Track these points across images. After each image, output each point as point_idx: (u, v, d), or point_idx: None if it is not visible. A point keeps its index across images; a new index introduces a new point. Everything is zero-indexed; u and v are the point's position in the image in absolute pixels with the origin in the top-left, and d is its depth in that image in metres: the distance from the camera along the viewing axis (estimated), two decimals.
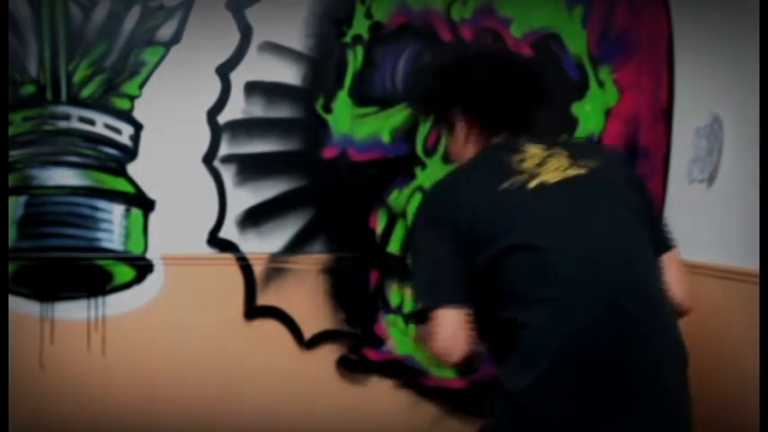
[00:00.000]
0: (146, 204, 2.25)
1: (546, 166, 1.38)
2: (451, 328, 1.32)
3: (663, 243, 1.43)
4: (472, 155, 1.49)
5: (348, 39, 2.29)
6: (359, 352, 2.34)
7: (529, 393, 1.27)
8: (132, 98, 2.23)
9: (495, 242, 1.32)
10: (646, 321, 1.29)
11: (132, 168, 2.24)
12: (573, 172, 1.37)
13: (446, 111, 1.52)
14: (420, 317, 1.41)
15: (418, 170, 2.34)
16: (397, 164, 2.33)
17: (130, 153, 2.24)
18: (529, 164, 1.38)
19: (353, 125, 2.30)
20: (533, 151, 1.40)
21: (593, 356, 1.27)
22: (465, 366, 1.39)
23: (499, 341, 1.36)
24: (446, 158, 2.25)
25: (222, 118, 2.26)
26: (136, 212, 2.24)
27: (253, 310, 2.29)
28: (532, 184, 1.35)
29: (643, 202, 1.41)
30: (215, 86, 2.25)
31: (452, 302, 1.33)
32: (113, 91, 2.22)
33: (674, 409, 1.31)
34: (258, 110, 2.28)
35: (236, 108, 2.27)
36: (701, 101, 2.10)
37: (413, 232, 1.46)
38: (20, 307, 2.18)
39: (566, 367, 1.26)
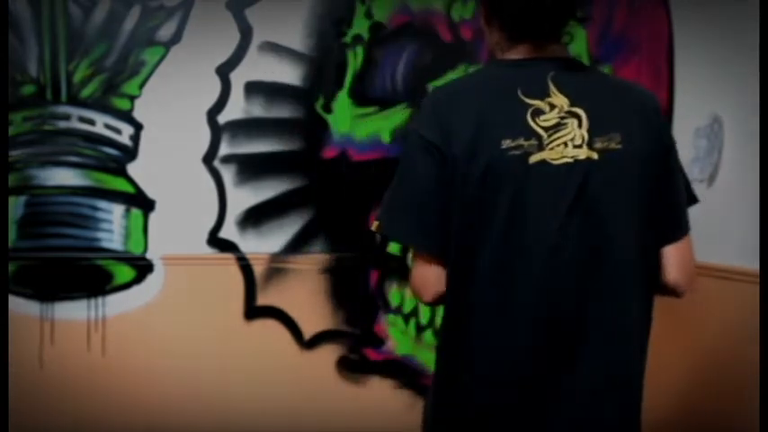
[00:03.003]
0: (146, 204, 2.25)
1: (558, 134, 1.22)
2: (425, 278, 1.29)
3: (664, 236, 1.30)
4: (498, 58, 1.33)
5: (348, 39, 2.29)
6: (359, 352, 2.34)
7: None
8: (132, 98, 2.23)
9: (466, 208, 1.24)
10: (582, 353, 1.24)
11: (132, 168, 2.24)
12: (583, 155, 1.21)
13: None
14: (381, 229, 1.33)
15: None
16: (396, 164, 2.33)
17: (130, 153, 2.24)
18: (543, 122, 1.22)
19: (353, 125, 2.30)
20: (557, 100, 1.23)
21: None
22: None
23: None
24: None
25: (222, 118, 2.26)
26: (136, 212, 2.25)
27: (253, 310, 2.29)
28: (534, 158, 1.21)
29: (659, 183, 1.27)
30: (215, 86, 2.26)
31: (430, 250, 1.28)
32: (113, 91, 2.22)
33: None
34: (258, 110, 2.28)
35: (237, 108, 2.27)
36: (701, 101, 2.10)
37: (408, 138, 1.32)
38: (20, 307, 2.19)
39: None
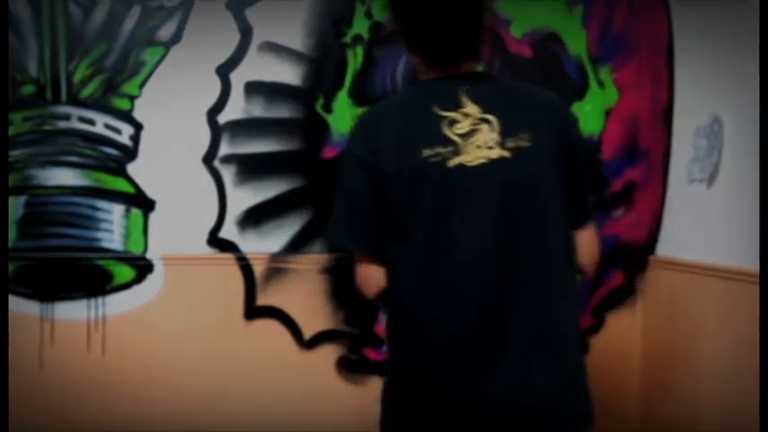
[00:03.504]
0: (146, 204, 2.25)
1: (473, 139, 1.37)
2: (368, 277, 1.47)
3: (575, 221, 1.46)
4: (419, 79, 1.49)
5: (348, 39, 2.29)
6: (359, 352, 2.34)
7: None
8: (132, 98, 2.23)
9: (398, 211, 1.39)
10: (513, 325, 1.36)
11: (132, 168, 2.24)
12: (496, 155, 1.37)
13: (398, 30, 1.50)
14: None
15: None
16: None
17: (130, 153, 2.24)
18: (458, 130, 1.38)
19: (353, 125, 2.30)
20: (469, 110, 1.39)
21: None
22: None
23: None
24: None
25: (222, 118, 2.26)
26: (136, 212, 2.25)
27: (253, 310, 2.29)
28: (452, 162, 1.37)
29: (567, 175, 1.42)
30: (215, 86, 2.26)
31: (369, 252, 1.46)
32: (113, 91, 2.22)
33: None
34: (258, 110, 2.28)
35: (237, 108, 2.27)
36: (701, 101, 2.10)
37: (344, 156, 1.52)
38: (20, 307, 2.19)
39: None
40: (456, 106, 1.39)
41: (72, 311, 2.22)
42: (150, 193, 2.25)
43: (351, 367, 2.32)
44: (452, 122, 1.38)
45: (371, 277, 1.47)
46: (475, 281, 1.36)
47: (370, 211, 1.42)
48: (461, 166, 1.37)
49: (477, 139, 1.38)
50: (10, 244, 2.17)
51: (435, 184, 1.37)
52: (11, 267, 2.17)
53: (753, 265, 1.76)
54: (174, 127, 2.24)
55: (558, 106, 1.50)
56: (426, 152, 1.37)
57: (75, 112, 2.21)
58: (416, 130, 1.40)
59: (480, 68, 1.46)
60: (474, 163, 1.37)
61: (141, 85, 2.23)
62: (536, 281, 1.37)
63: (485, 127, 1.38)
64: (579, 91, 2.34)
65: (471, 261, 1.36)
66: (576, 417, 1.42)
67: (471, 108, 1.39)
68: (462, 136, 1.38)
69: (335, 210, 1.51)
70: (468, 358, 1.37)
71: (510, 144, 1.37)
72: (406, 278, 1.41)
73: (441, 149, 1.37)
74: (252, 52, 2.26)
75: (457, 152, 1.37)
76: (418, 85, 1.49)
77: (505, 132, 1.38)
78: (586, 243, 1.48)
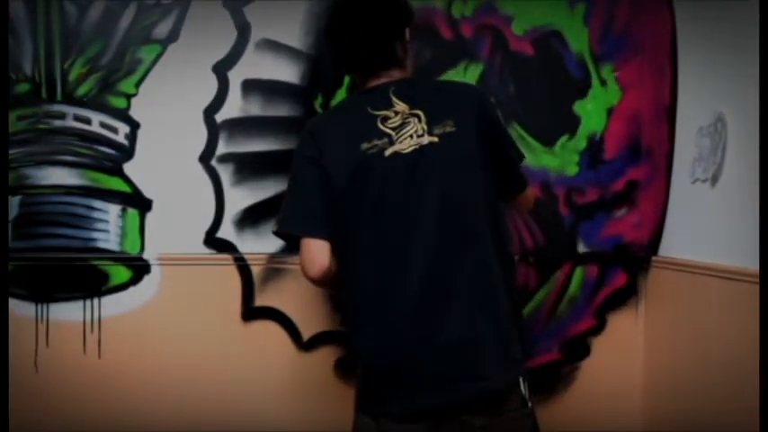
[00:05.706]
0: (142, 204, 2.23)
1: (404, 130, 1.60)
2: (309, 253, 1.63)
3: (512, 189, 1.76)
4: (357, 89, 1.75)
5: None
6: None
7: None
8: (128, 96, 2.22)
9: (345, 200, 1.59)
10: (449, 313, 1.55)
11: (128, 167, 2.22)
12: (426, 141, 1.59)
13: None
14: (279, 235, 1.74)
15: None
16: None
17: (127, 152, 2.22)
18: (391, 124, 1.61)
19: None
20: (399, 107, 1.62)
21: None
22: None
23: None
24: None
25: (219, 116, 2.25)
26: (132, 212, 2.23)
27: (250, 311, 2.27)
28: (389, 151, 1.59)
29: (493, 153, 1.63)
30: (212, 85, 2.24)
31: (312, 232, 1.63)
32: (109, 89, 2.21)
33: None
34: (256, 108, 2.26)
35: (234, 106, 2.25)
36: (704, 99, 2.09)
37: (294, 157, 1.73)
38: (15, 308, 2.17)
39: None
40: (387, 106, 1.61)
41: (67, 313, 2.20)
42: (147, 192, 2.23)
43: (349, 369, 2.30)
44: (385, 119, 1.61)
45: (314, 254, 1.62)
46: (420, 252, 1.55)
47: (314, 199, 1.62)
48: (396, 154, 1.58)
49: (408, 130, 1.59)
50: None
51: (376, 172, 1.57)
52: None
53: (753, 265, 1.75)
54: (171, 126, 2.22)
55: (475, 92, 1.78)
56: (365, 145, 1.59)
57: (71, 110, 2.20)
58: (355, 129, 1.62)
59: (404, 75, 1.69)
60: (407, 150, 1.58)
61: (137, 84, 2.21)
62: (470, 247, 1.57)
63: (414, 120, 1.60)
64: (581, 89, 2.33)
65: (416, 234, 1.55)
66: (509, 360, 1.60)
67: (400, 106, 1.61)
68: (395, 129, 1.60)
69: (283, 204, 1.70)
70: (419, 319, 1.55)
71: (437, 131, 1.59)
72: (360, 256, 1.59)
73: (377, 142, 1.59)
74: (249, 50, 2.25)
75: (391, 142, 1.59)
76: (357, 93, 1.74)
77: (432, 122, 1.59)
78: (526, 200, 1.84)
